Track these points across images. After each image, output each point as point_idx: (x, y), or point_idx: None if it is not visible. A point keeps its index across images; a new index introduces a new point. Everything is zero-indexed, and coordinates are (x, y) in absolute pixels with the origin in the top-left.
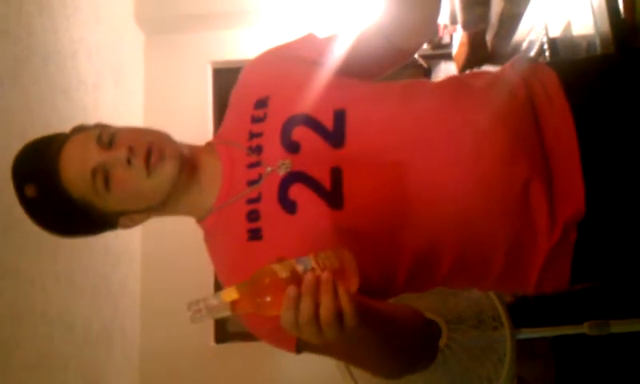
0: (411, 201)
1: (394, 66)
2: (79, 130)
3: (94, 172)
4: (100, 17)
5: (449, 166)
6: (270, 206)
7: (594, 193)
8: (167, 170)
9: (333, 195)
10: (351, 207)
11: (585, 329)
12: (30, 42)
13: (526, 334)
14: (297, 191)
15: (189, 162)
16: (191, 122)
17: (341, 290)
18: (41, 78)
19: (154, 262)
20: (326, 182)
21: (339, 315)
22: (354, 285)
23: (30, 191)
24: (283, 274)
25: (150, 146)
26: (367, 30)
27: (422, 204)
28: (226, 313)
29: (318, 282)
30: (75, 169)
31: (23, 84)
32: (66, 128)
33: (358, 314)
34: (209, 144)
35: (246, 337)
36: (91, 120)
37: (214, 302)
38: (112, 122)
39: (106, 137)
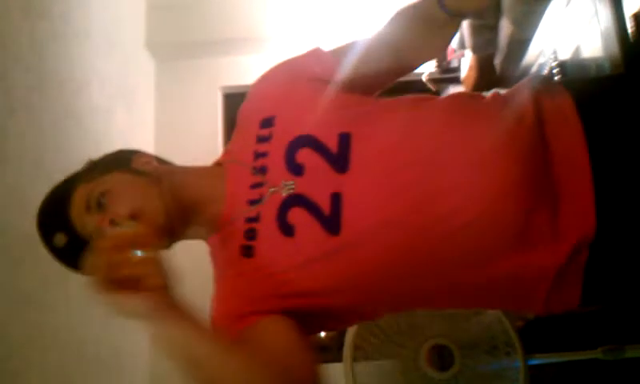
0: (411, 233)
1: (396, 78)
2: (86, 171)
3: (91, 236)
4: (112, 44)
5: (452, 194)
6: (267, 227)
7: (606, 213)
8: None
9: (331, 221)
10: (348, 234)
11: (599, 354)
12: (43, 70)
13: (539, 359)
14: (296, 215)
15: (175, 216)
16: (201, 147)
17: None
18: (53, 104)
19: None
20: (326, 206)
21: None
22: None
23: (59, 240)
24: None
25: (132, 215)
26: (372, 43)
27: (422, 234)
28: None
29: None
30: (80, 227)
31: (36, 111)
32: (79, 154)
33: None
34: (218, 163)
35: None
36: (103, 146)
37: None
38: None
39: (94, 199)
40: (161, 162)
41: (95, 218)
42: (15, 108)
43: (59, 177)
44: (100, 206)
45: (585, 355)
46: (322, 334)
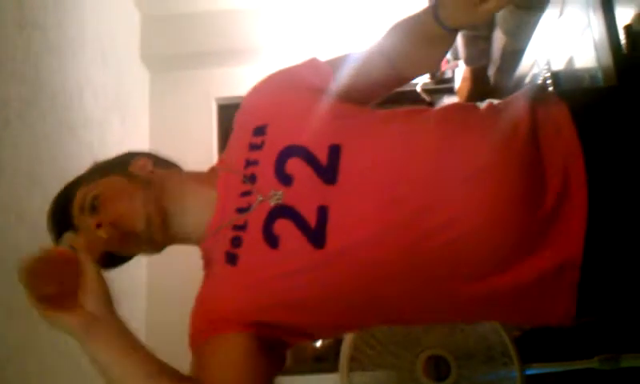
0: (398, 248)
1: (392, 90)
2: (88, 173)
3: None
4: (106, 55)
5: (445, 207)
6: (253, 237)
7: (598, 228)
8: (124, 242)
9: (316, 234)
10: (332, 248)
11: (595, 363)
12: (37, 81)
13: (536, 369)
14: (281, 226)
15: (156, 222)
16: (196, 158)
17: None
18: (48, 116)
19: (160, 297)
20: (312, 219)
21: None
22: None
23: None
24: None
25: (114, 222)
26: (369, 54)
27: (410, 249)
28: None
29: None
30: (81, 228)
31: (30, 122)
32: (73, 166)
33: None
34: (212, 169)
35: None
36: (97, 157)
37: None
38: None
39: (88, 202)
40: (162, 164)
41: (88, 220)
42: (10, 119)
43: (54, 188)
44: (93, 209)
45: (581, 365)
46: (318, 344)
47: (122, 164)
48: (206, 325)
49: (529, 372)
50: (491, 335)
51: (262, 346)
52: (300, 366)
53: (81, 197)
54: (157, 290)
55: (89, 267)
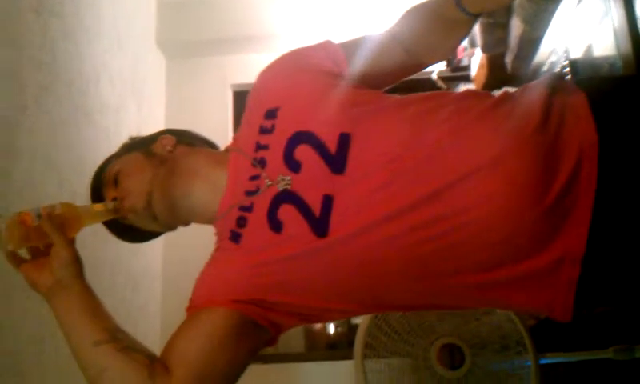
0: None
1: (407, 75)
2: (121, 148)
3: None
4: (122, 41)
5: (454, 196)
6: (257, 219)
7: (604, 219)
8: (132, 218)
9: (319, 223)
10: (334, 238)
11: (610, 353)
12: (54, 67)
13: (550, 358)
14: (286, 212)
15: (159, 201)
16: None
17: (47, 225)
18: (64, 101)
19: (175, 285)
20: (317, 207)
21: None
22: (73, 230)
23: None
24: (14, 216)
25: (123, 198)
26: (383, 39)
27: (413, 239)
28: None
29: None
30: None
31: (47, 108)
32: (89, 151)
33: (69, 248)
34: (226, 150)
35: (267, 359)
36: (113, 143)
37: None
38: None
39: (112, 176)
40: (187, 143)
41: (110, 193)
42: (27, 104)
43: (69, 174)
44: (116, 183)
45: (596, 355)
46: (332, 331)
47: (148, 141)
48: (203, 297)
49: (543, 361)
50: (506, 324)
51: (248, 325)
52: (314, 354)
53: (107, 171)
54: (172, 274)
55: (54, 236)
